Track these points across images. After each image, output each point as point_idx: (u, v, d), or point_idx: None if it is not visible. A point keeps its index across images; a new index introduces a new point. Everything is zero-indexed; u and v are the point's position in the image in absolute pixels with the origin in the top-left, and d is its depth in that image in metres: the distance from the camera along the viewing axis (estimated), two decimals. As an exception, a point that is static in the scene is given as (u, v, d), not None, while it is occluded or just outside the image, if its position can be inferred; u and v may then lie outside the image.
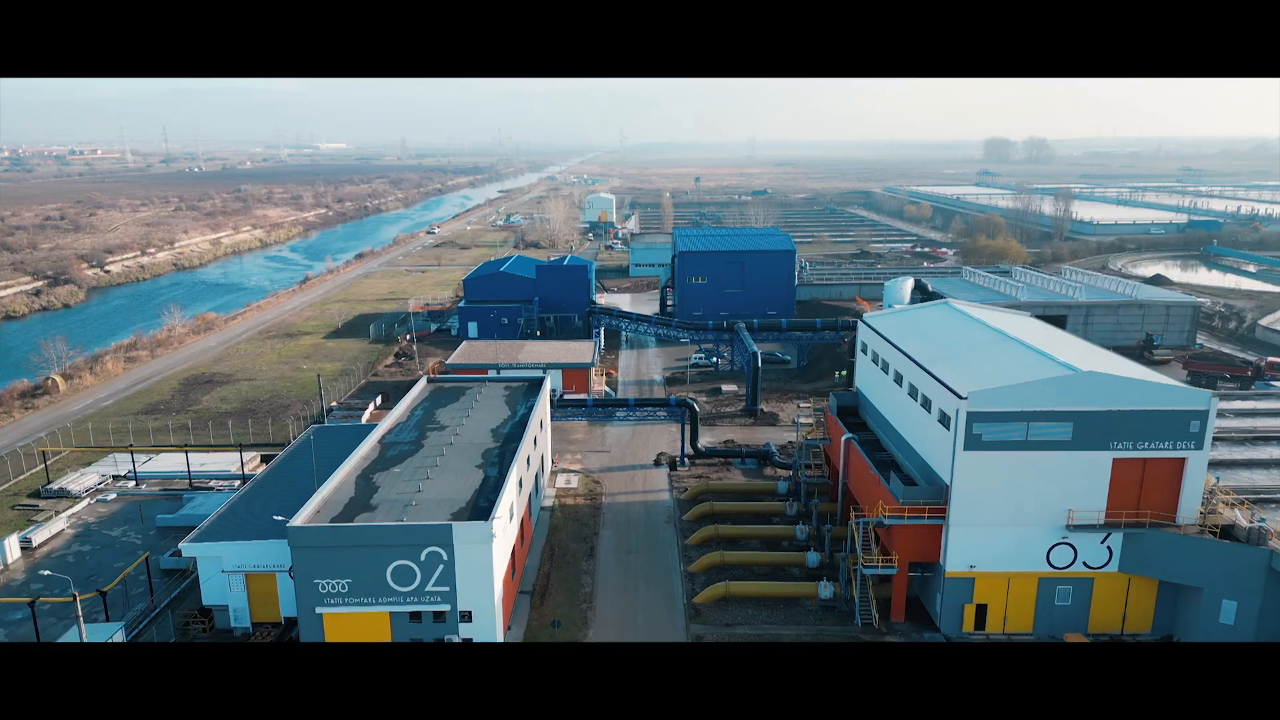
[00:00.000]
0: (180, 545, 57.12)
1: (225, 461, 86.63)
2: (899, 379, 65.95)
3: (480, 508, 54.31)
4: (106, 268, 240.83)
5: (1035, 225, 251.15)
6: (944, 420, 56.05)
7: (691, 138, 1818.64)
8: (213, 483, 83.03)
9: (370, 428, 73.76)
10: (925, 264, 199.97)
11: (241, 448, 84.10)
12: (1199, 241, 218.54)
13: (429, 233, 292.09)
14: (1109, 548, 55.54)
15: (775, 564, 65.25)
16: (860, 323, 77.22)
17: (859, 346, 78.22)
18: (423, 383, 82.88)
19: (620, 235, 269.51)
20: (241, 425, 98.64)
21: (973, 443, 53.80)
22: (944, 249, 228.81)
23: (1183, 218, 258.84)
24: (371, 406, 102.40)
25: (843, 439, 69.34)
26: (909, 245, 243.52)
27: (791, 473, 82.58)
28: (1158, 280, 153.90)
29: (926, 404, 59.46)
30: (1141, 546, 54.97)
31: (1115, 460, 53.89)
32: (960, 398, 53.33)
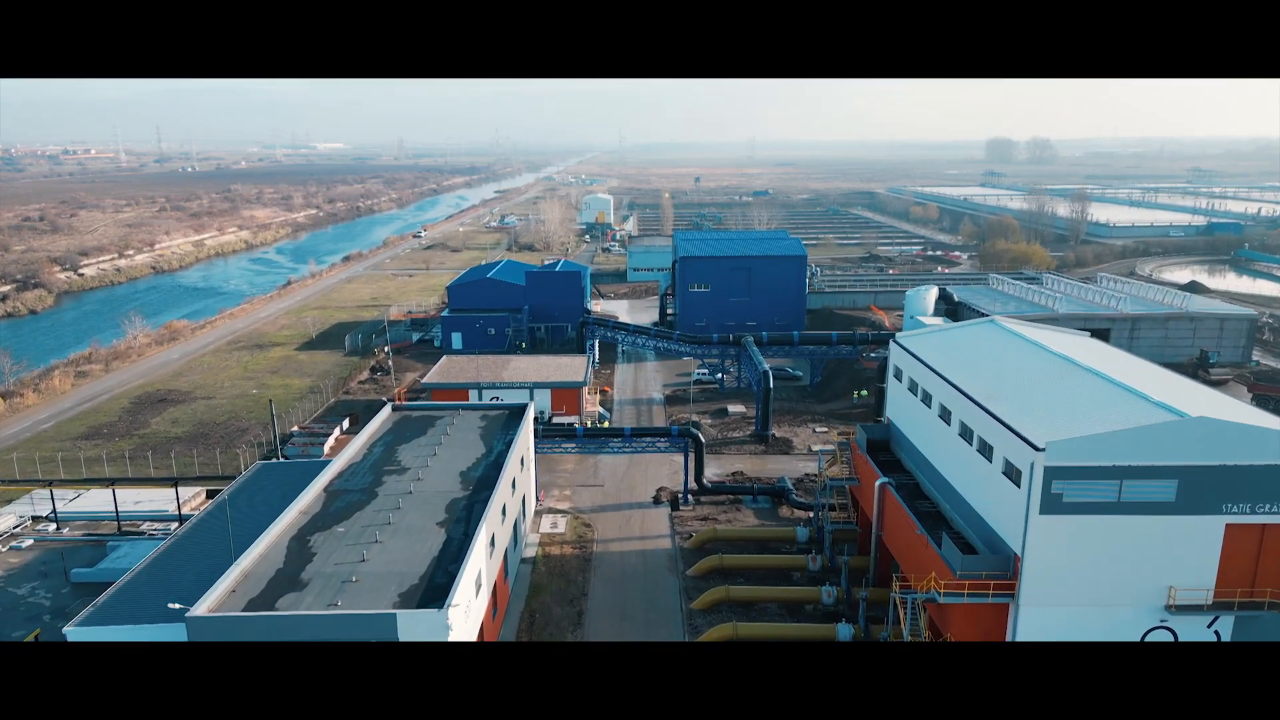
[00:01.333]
0: (65, 629, 46.31)
1: (164, 499, 75.83)
2: (945, 415, 55.31)
3: (436, 585, 43.52)
4: (80, 271, 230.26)
5: (1050, 228, 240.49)
6: (1011, 474, 45.40)
7: (691, 138, 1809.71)
8: (145, 526, 72.32)
9: (323, 465, 63.02)
10: (940, 269, 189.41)
11: (178, 483, 73.11)
12: (1227, 245, 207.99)
13: (416, 236, 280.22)
14: (1216, 633, 44.93)
15: (800, 639, 54.45)
16: (893, 343, 66.55)
17: (890, 371, 67.58)
18: (386, 411, 72.00)
19: (618, 237, 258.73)
20: (189, 453, 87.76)
21: (1051, 504, 43.14)
22: (957, 252, 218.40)
23: (1201, 220, 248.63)
24: (337, 431, 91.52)
25: (877, 484, 58.63)
26: (919, 248, 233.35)
27: (812, 514, 71.97)
28: (1194, 287, 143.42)
29: (985, 450, 48.79)
30: (1257, 632, 44.36)
31: (1228, 526, 43.31)
32: (1036, 449, 42.65)
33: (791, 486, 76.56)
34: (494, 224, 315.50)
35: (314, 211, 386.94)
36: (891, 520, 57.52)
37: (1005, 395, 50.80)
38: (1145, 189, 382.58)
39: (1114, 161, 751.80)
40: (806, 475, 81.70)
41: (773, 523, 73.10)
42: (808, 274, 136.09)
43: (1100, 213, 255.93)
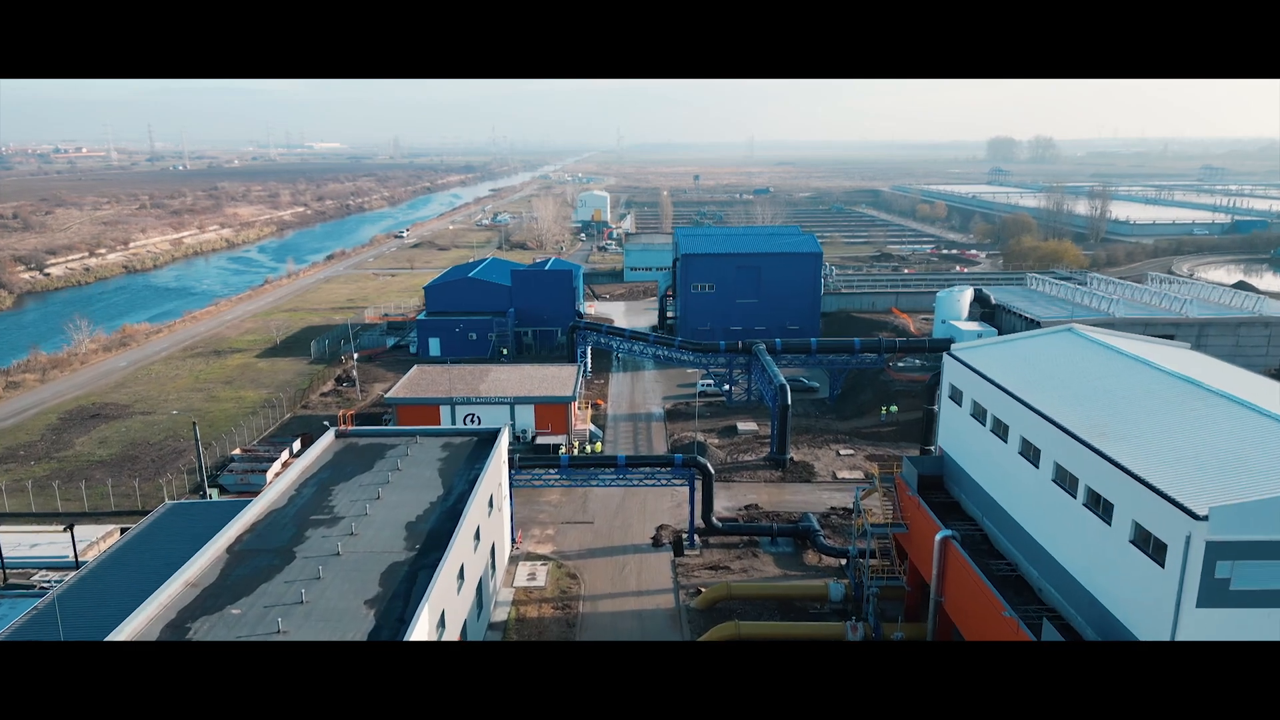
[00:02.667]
0: None
1: (66, 542, 63.25)
2: (1030, 452, 42.95)
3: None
4: (46, 270, 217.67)
5: (1068, 225, 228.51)
6: (1147, 545, 33.03)
7: (689, 138, 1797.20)
8: (37, 576, 59.79)
9: (241, 508, 50.38)
10: (959, 268, 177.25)
11: (72, 525, 60.35)
12: (1265, 243, 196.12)
13: (398, 236, 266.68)
14: None
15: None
16: (948, 358, 54.21)
17: (944, 390, 55.22)
18: (328, 438, 59.31)
19: (614, 235, 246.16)
20: (105, 482, 74.92)
21: (1213, 593, 30.77)
22: (974, 251, 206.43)
23: (1224, 217, 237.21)
24: (285, 455, 78.91)
25: (938, 538, 46.21)
26: (931, 247, 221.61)
27: (845, 562, 59.63)
28: (1242, 288, 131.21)
29: (1099, 507, 36.42)
30: None
31: None
32: (1194, 516, 30.27)
33: (818, 526, 64.08)
34: (486, 222, 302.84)
35: (302, 209, 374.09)
36: (958, 585, 45.12)
37: (1117, 430, 38.42)
38: (1158, 187, 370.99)
39: (1117, 160, 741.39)
40: (833, 510, 69.39)
41: (797, 572, 60.66)
42: (823, 273, 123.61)
43: (1117, 210, 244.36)
